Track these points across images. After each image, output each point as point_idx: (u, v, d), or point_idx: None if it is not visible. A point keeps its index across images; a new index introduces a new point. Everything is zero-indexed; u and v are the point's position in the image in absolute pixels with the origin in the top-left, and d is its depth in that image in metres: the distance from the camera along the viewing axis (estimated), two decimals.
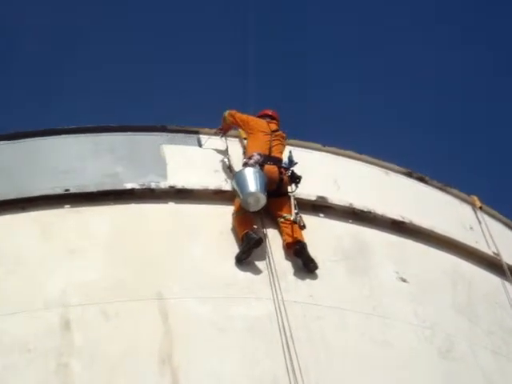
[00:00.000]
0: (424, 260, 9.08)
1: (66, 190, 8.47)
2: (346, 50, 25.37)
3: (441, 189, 10.42)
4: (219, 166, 9.23)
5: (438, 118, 25.41)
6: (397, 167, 10.24)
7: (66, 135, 9.21)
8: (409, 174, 10.28)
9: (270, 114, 9.47)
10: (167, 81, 25.06)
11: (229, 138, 9.58)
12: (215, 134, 9.49)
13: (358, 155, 10.07)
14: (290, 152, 8.95)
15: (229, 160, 9.17)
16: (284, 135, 9.30)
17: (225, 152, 9.33)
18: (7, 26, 23.01)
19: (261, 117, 9.44)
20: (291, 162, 8.84)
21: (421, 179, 10.32)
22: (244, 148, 9.28)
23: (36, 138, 9.11)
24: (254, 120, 9.29)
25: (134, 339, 7.40)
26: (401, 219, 9.27)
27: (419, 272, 8.85)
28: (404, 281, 8.67)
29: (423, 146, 24.20)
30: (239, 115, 9.29)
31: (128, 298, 7.66)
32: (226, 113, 9.37)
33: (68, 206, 8.43)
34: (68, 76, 23.89)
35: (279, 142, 9.14)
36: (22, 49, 23.45)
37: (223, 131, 9.51)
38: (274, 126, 9.26)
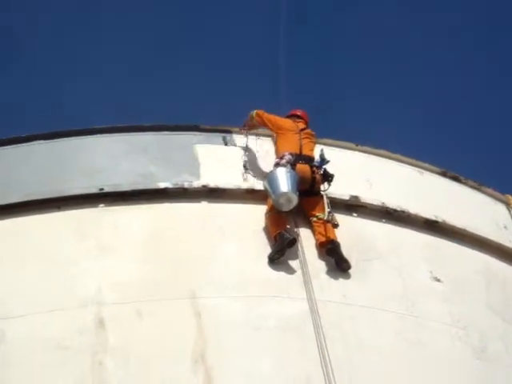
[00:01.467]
0: (458, 259, 9.03)
1: (101, 190, 8.52)
2: (380, 46, 25.20)
3: (475, 188, 10.36)
4: (252, 166, 9.23)
5: (473, 116, 25.22)
6: (431, 166, 10.19)
7: (100, 135, 9.26)
8: (443, 174, 10.22)
9: (299, 114, 9.48)
10: (198, 80, 25.08)
11: (260, 137, 9.59)
12: (239, 132, 9.51)
13: (391, 154, 10.03)
14: (322, 150, 8.94)
15: (247, 159, 9.19)
16: (313, 133, 9.30)
17: (245, 150, 9.33)
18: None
19: (289, 117, 9.46)
20: (323, 161, 8.82)
21: (455, 178, 10.27)
22: (275, 148, 9.27)
23: (71, 138, 9.17)
24: (281, 120, 9.31)
25: (168, 338, 7.43)
26: (434, 218, 9.23)
27: (453, 271, 8.80)
28: (438, 280, 8.62)
29: (458, 144, 24.03)
30: (267, 115, 9.30)
31: (161, 297, 7.69)
32: (254, 113, 9.36)
33: (102, 205, 8.48)
34: (98, 76, 24.04)
35: (309, 139, 9.14)
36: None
37: (247, 129, 9.52)
38: (301, 125, 9.27)
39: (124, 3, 24.55)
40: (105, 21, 24.31)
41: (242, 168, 9.14)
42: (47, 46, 23.93)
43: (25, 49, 23.52)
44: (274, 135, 9.33)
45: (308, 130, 9.26)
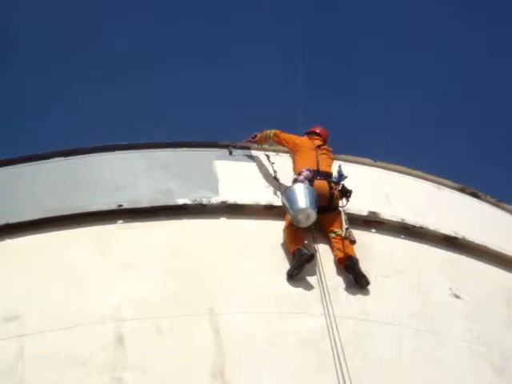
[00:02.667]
0: (477, 276, 8.99)
1: (120, 206, 8.57)
2: (394, 59, 25.19)
3: (494, 204, 10.32)
4: (270, 182, 9.25)
5: (491, 132, 25.14)
6: (449, 182, 10.18)
7: (119, 151, 9.32)
8: (462, 190, 10.20)
9: (318, 131, 9.53)
10: (214, 94, 25.13)
11: (280, 154, 9.63)
12: (248, 141, 9.56)
13: (409, 170, 10.03)
14: (340, 166, 8.96)
15: (275, 173, 9.20)
16: (330, 149, 9.35)
17: (271, 167, 9.36)
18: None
19: (307, 133, 9.51)
20: (341, 176, 8.84)
21: (474, 195, 10.24)
22: (293, 165, 9.29)
23: (90, 155, 9.24)
24: (297, 138, 9.41)
25: (187, 354, 7.43)
26: (453, 235, 9.20)
27: (473, 288, 8.76)
28: (457, 297, 8.59)
29: (477, 160, 23.94)
30: (283, 135, 9.44)
31: (181, 313, 7.70)
32: (272, 133, 9.49)
33: (121, 221, 8.52)
34: (119, 89, 24.16)
35: (326, 155, 9.18)
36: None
37: (255, 142, 9.58)
38: (318, 142, 9.35)
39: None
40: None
41: (276, 184, 9.12)
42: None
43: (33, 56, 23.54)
44: (291, 153, 9.37)
45: (325, 146, 9.31)
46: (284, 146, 9.44)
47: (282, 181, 9.18)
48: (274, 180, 9.26)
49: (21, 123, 23.33)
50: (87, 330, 7.53)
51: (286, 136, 9.42)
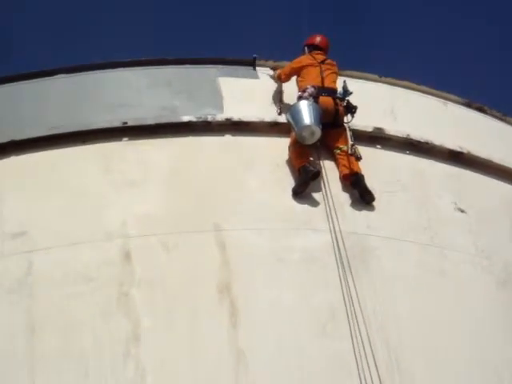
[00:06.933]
0: (482, 190, 9.00)
1: (124, 123, 8.54)
2: None
3: (500, 118, 10.23)
4: (275, 99, 9.19)
5: (498, 44, 24.77)
6: (455, 97, 10.07)
7: (123, 68, 9.21)
8: (467, 104, 10.10)
9: (316, 43, 9.30)
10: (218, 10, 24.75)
11: None
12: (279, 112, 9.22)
13: (415, 85, 9.91)
14: (345, 82, 8.86)
15: (280, 90, 9.12)
16: (334, 63, 9.16)
17: (276, 83, 9.26)
18: None
19: (308, 46, 9.33)
20: (346, 92, 8.75)
21: (480, 109, 10.14)
22: (297, 83, 9.20)
23: (94, 72, 9.13)
24: (298, 62, 9.13)
25: (193, 270, 7.52)
26: (459, 149, 9.18)
27: (477, 202, 8.79)
28: (462, 211, 8.63)
29: (483, 74, 23.66)
30: (285, 70, 9.14)
31: (187, 230, 7.77)
32: (276, 76, 9.21)
33: (126, 138, 8.50)
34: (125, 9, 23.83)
35: (330, 70, 9.03)
36: None
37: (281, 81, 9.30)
38: (320, 57, 9.12)
39: None
40: None
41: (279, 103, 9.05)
42: None
43: None
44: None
45: (329, 61, 9.12)
46: (293, 76, 9.19)
47: (286, 98, 9.12)
48: (278, 97, 9.19)
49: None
50: (94, 247, 7.63)
51: (287, 70, 9.12)
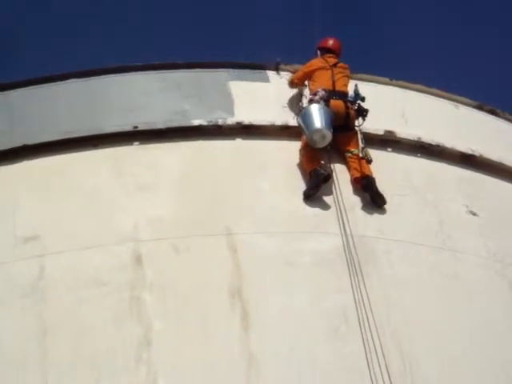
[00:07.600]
0: (494, 193, 8.98)
1: (135, 127, 8.56)
2: None
3: None
4: (286, 102, 9.19)
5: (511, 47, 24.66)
6: (467, 100, 10.05)
7: (134, 72, 9.23)
8: (479, 107, 10.08)
9: (329, 47, 9.31)
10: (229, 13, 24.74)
11: None
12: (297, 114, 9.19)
13: (426, 88, 9.90)
14: (356, 85, 8.86)
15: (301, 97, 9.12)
16: (346, 66, 9.17)
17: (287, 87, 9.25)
18: None
19: (321, 49, 9.32)
20: (357, 96, 8.76)
21: (492, 112, 10.11)
22: (308, 86, 9.19)
23: (105, 76, 9.17)
24: (309, 65, 9.14)
25: (204, 273, 7.53)
26: (470, 152, 9.17)
27: (489, 205, 8.77)
28: (474, 214, 8.61)
29: (495, 77, 23.57)
30: (297, 75, 9.15)
31: (198, 233, 7.77)
32: (288, 84, 9.19)
33: (137, 142, 8.53)
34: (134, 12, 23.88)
35: (342, 74, 9.03)
36: None
37: (299, 87, 9.29)
38: (332, 60, 9.12)
39: None
40: None
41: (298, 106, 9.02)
42: None
43: None
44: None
45: (341, 64, 9.13)
46: (305, 80, 9.19)
47: (297, 101, 9.11)
48: (289, 100, 9.19)
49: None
50: (106, 251, 7.64)
51: (300, 74, 9.12)
